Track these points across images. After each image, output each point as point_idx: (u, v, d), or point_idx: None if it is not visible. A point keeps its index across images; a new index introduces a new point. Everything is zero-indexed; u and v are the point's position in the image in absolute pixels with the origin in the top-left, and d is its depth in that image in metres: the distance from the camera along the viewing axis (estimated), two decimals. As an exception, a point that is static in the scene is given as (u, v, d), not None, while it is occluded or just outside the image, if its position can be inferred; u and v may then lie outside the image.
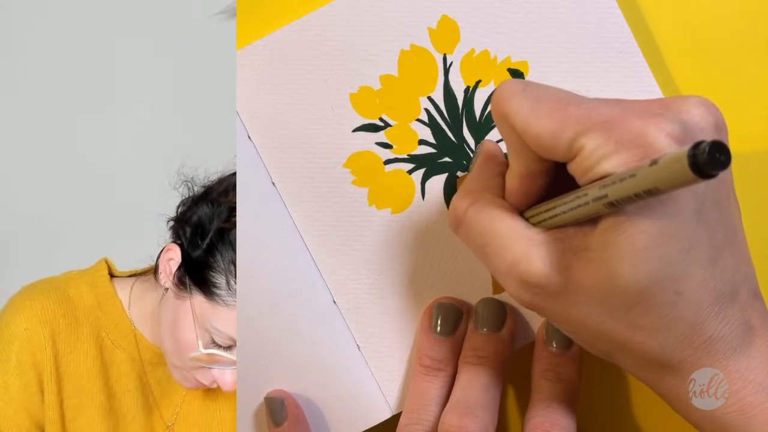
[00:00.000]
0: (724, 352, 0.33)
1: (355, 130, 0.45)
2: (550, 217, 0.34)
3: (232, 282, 0.64)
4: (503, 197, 0.37)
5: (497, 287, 0.44)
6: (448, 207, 0.44)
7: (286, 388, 0.45)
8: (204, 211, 0.67)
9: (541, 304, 0.34)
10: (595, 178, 0.31)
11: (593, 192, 0.31)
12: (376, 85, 0.44)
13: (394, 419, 0.43)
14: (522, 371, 0.43)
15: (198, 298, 0.65)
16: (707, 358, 0.33)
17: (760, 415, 0.33)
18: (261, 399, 0.45)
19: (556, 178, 0.35)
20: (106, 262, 0.76)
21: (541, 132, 0.33)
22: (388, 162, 0.45)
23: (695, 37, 0.45)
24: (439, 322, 0.43)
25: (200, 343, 0.65)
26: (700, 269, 0.32)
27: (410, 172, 0.45)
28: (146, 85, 1.15)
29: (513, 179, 0.36)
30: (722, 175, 0.27)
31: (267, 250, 0.45)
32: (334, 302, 0.45)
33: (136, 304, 0.74)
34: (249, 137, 0.45)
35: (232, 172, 0.69)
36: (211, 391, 0.74)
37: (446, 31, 0.44)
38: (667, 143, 0.30)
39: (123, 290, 0.75)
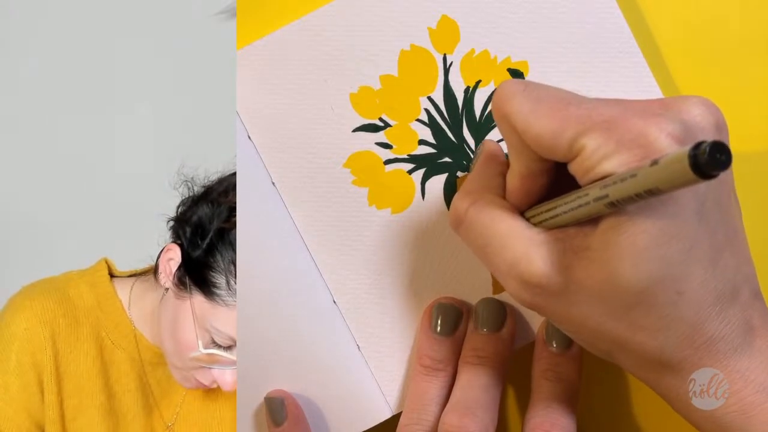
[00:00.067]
0: (724, 352, 0.33)
1: (355, 130, 0.45)
2: (551, 217, 0.34)
3: (232, 282, 0.64)
4: (504, 197, 0.37)
5: (497, 287, 0.44)
6: (448, 207, 0.44)
7: (286, 388, 0.45)
8: (204, 211, 0.67)
9: (542, 304, 0.34)
10: (596, 178, 0.31)
11: (594, 192, 0.31)
12: (376, 85, 0.44)
13: (394, 419, 0.43)
14: (522, 371, 0.43)
15: (198, 298, 0.65)
16: (708, 358, 0.33)
17: (761, 414, 0.33)
18: (261, 399, 0.45)
19: (556, 178, 0.35)
20: (106, 262, 0.76)
21: (541, 132, 0.33)
22: (388, 162, 0.45)
23: (695, 37, 0.45)
24: (439, 322, 0.43)
25: (200, 343, 0.65)
26: (701, 269, 0.32)
27: (410, 172, 0.45)
28: (146, 85, 1.15)
29: (514, 179, 0.36)
30: (723, 175, 0.27)
31: (267, 250, 0.45)
32: (334, 302, 0.45)
33: (136, 304, 0.74)
34: (249, 137, 0.45)
35: (232, 172, 0.68)
36: (211, 391, 0.74)
37: (446, 31, 0.44)
38: (667, 143, 0.30)
39: (123, 290, 0.75)
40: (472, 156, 0.44)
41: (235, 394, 0.65)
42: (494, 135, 0.44)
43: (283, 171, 0.45)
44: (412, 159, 0.45)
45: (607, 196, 0.30)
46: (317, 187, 0.45)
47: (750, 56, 0.45)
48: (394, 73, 0.44)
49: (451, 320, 0.43)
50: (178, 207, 0.70)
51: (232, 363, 0.66)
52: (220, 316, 0.64)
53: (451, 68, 0.44)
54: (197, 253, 0.66)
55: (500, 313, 0.43)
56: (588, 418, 0.44)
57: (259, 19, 0.45)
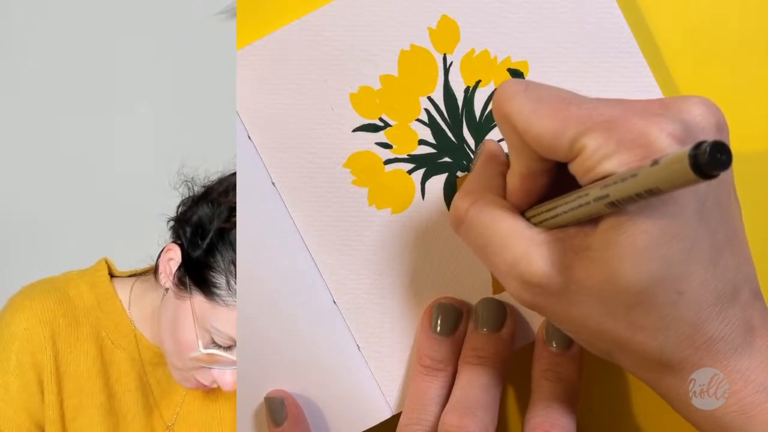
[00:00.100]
0: (725, 352, 0.33)
1: (355, 130, 0.45)
2: (551, 217, 0.34)
3: (232, 282, 0.64)
4: (504, 197, 0.37)
5: (497, 287, 0.44)
6: (448, 207, 0.44)
7: (286, 388, 0.45)
8: (204, 211, 0.67)
9: (542, 303, 0.34)
10: (597, 177, 0.31)
11: (594, 192, 0.31)
12: (376, 85, 0.44)
13: (394, 419, 0.43)
14: (522, 371, 0.43)
15: (198, 298, 0.65)
16: (708, 358, 0.33)
17: (761, 414, 0.33)
18: (261, 399, 0.45)
19: (557, 178, 0.35)
20: (106, 262, 0.76)
21: (542, 132, 0.33)
22: (388, 162, 0.45)
23: (695, 37, 0.45)
24: (439, 322, 0.43)
25: (200, 343, 0.65)
26: (702, 269, 0.32)
27: (410, 172, 0.45)
28: (146, 85, 1.15)
29: (514, 179, 0.36)
30: (723, 175, 0.27)
31: (267, 250, 0.45)
32: (334, 302, 0.45)
33: (136, 304, 0.74)
34: (249, 137, 0.45)
35: (232, 172, 0.69)
36: (211, 391, 0.74)
37: (446, 31, 0.44)
38: (668, 143, 0.30)
39: (123, 290, 0.75)
40: (472, 156, 0.44)
41: (235, 394, 0.65)
42: (494, 135, 0.44)
43: (283, 171, 0.45)
44: (412, 159, 0.45)
45: (607, 195, 0.30)
46: (317, 187, 0.45)
47: (750, 56, 0.45)
48: (394, 73, 0.44)
49: (451, 320, 0.43)
50: (178, 207, 0.70)
51: (232, 363, 0.66)
52: (220, 316, 0.64)
53: (451, 68, 0.44)
54: (197, 253, 0.66)
55: (500, 313, 0.43)
56: (588, 418, 0.44)
57: (259, 19, 0.45)
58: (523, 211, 0.36)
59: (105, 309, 0.73)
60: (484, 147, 0.40)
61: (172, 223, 0.70)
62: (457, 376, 0.42)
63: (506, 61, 0.44)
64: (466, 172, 0.44)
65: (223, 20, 0.66)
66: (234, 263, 0.64)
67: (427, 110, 0.44)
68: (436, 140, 0.44)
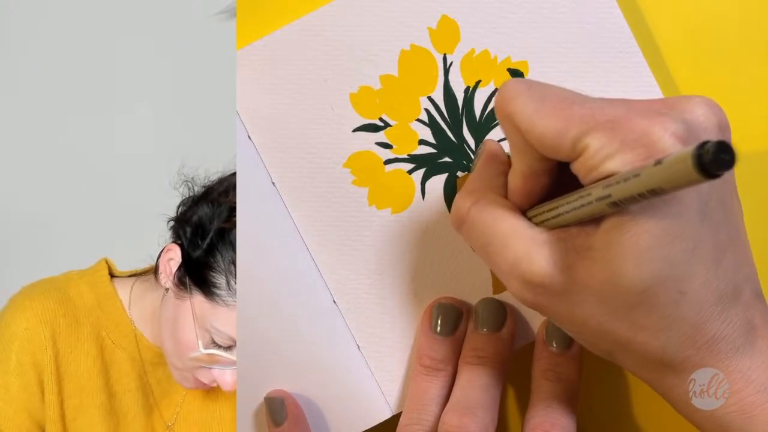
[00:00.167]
0: (726, 352, 0.33)
1: (355, 130, 0.45)
2: (553, 217, 0.34)
3: (232, 282, 0.64)
4: (506, 197, 0.37)
5: (497, 287, 0.44)
6: (448, 207, 0.44)
7: (286, 388, 0.45)
8: (204, 211, 0.67)
9: (544, 303, 0.34)
10: (599, 177, 0.31)
11: (597, 191, 0.31)
12: (376, 85, 0.44)
13: (394, 419, 0.43)
14: (522, 371, 0.43)
15: (198, 298, 0.65)
16: (710, 358, 0.33)
17: (762, 414, 0.33)
18: (261, 399, 0.45)
19: (559, 178, 0.35)
20: (106, 262, 0.76)
21: (545, 131, 0.33)
22: (388, 162, 0.45)
23: (695, 37, 0.45)
24: (439, 322, 0.43)
25: (200, 343, 0.65)
26: (704, 269, 0.32)
27: (410, 172, 0.45)
28: (146, 85, 1.15)
29: (516, 179, 0.36)
30: (726, 174, 0.27)
31: (267, 250, 0.45)
32: (334, 302, 0.45)
33: (137, 304, 0.74)
34: (249, 137, 0.45)
35: (232, 172, 0.69)
36: (211, 391, 0.74)
37: (446, 31, 0.44)
38: (671, 143, 0.30)
39: (123, 290, 0.75)
40: (472, 156, 0.44)
41: (235, 394, 0.65)
42: (494, 135, 0.44)
43: (283, 171, 0.45)
44: (412, 159, 0.45)
45: (609, 195, 0.30)
46: (317, 187, 0.45)
47: (750, 56, 0.45)
48: (394, 73, 0.44)
49: (451, 320, 0.43)
50: (179, 207, 0.70)
51: (232, 363, 0.66)
52: (220, 316, 0.64)
53: (451, 68, 0.44)
54: (197, 253, 0.66)
55: (500, 313, 0.43)
56: (588, 418, 0.44)
57: (259, 19, 0.45)
58: (524, 210, 0.36)
59: (105, 309, 0.73)
60: (485, 147, 0.40)
61: (172, 223, 0.70)
62: (457, 376, 0.42)
63: (506, 61, 0.44)
64: (466, 172, 0.44)
65: (223, 20, 0.66)
66: (234, 263, 0.64)
67: (427, 110, 0.44)
68: (436, 140, 0.44)
